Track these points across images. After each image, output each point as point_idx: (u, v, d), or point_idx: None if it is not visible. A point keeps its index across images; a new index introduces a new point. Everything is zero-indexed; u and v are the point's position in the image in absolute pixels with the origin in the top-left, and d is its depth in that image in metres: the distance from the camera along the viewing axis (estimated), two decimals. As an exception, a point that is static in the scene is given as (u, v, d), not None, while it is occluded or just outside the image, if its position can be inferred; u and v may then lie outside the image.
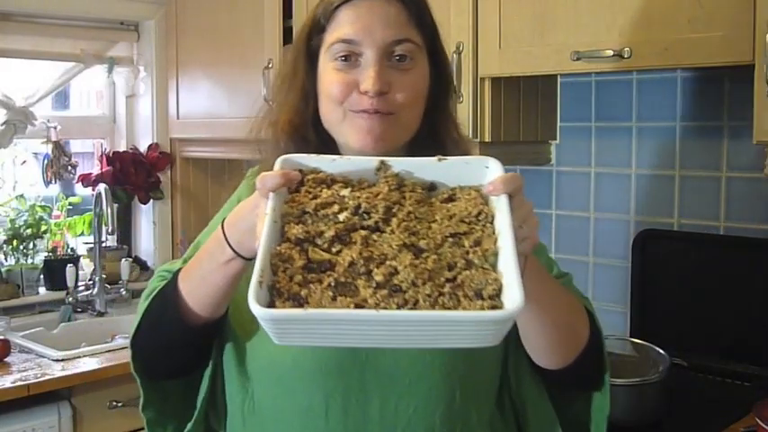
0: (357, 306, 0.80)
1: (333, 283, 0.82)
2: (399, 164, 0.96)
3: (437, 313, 0.79)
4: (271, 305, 0.80)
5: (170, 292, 1.10)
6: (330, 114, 1.11)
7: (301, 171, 0.95)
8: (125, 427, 2.40)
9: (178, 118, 3.17)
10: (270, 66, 2.66)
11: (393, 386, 1.09)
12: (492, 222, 0.88)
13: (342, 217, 0.89)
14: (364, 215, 0.90)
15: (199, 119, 3.08)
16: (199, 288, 1.07)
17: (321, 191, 0.92)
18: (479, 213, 0.89)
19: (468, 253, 0.85)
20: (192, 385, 1.21)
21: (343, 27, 1.09)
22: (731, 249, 2.08)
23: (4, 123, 2.92)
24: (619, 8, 1.82)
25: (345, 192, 0.92)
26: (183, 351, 1.15)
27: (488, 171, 0.93)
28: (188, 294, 1.08)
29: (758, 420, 1.60)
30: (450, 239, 0.87)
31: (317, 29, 1.13)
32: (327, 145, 1.13)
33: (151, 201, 3.28)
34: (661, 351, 1.88)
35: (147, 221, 3.34)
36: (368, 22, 1.08)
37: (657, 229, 2.21)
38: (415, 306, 0.80)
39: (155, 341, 1.15)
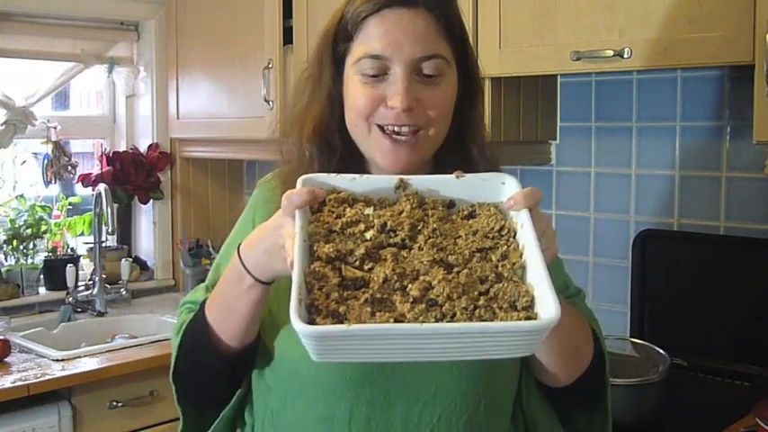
0: (397, 321, 0.81)
1: (370, 299, 0.83)
2: (418, 182, 0.98)
3: (481, 325, 0.80)
4: (311, 323, 0.80)
5: (199, 325, 1.11)
6: (356, 127, 1.11)
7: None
8: (125, 427, 2.41)
9: (178, 118, 3.17)
10: (270, 66, 2.66)
11: (418, 395, 1.08)
12: (515, 237, 0.91)
13: (368, 235, 0.91)
14: (390, 233, 0.91)
15: (199, 119, 3.07)
16: (226, 318, 1.08)
17: (344, 210, 0.94)
18: (501, 228, 0.92)
19: (497, 267, 0.88)
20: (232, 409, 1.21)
21: (371, 41, 1.07)
22: (731, 249, 2.07)
23: (4, 123, 2.92)
24: (619, 8, 1.82)
25: (369, 210, 0.94)
26: (224, 380, 1.16)
27: (504, 187, 0.96)
28: (216, 326, 1.09)
29: (758, 420, 1.60)
30: (478, 254, 0.89)
31: (343, 36, 1.11)
32: (352, 151, 1.13)
33: (151, 201, 3.28)
34: (661, 351, 1.88)
35: (147, 221, 3.34)
36: (396, 37, 1.06)
37: (657, 229, 2.21)
38: (453, 319, 0.81)
39: (196, 376, 1.16)
